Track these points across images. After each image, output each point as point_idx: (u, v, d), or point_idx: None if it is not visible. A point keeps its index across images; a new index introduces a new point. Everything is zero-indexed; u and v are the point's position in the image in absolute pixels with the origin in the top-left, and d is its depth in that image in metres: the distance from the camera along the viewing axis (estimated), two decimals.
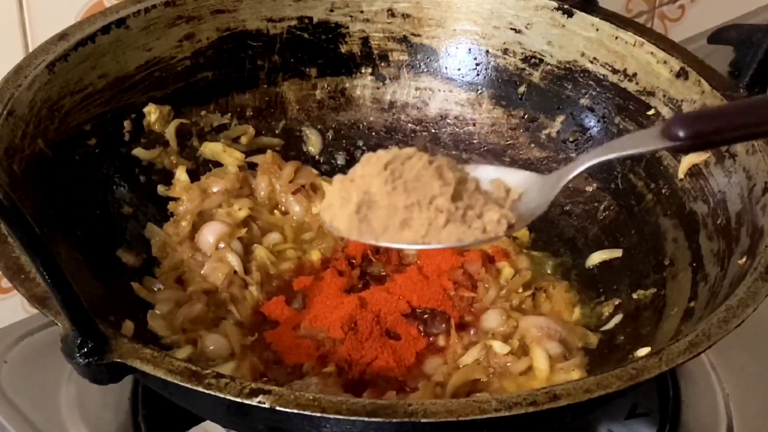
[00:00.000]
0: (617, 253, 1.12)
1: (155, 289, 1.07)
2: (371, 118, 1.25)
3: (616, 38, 1.16)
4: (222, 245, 1.09)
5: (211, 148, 1.18)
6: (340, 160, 1.23)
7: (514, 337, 1.04)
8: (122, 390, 1.08)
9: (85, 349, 0.77)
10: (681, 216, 1.08)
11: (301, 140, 1.23)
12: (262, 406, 0.76)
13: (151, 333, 1.01)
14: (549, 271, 1.14)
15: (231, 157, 1.17)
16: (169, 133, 1.15)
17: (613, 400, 0.85)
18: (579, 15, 1.18)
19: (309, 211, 1.16)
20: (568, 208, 1.18)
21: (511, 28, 1.21)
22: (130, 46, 1.11)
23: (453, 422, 0.76)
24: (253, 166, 1.18)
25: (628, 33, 1.15)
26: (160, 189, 1.13)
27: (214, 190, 1.14)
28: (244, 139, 1.19)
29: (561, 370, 1.00)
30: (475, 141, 1.24)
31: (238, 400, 0.77)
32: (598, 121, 1.18)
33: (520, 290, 1.10)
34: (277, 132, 1.22)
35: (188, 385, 0.78)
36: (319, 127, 1.23)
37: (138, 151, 1.13)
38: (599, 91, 1.17)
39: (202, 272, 1.07)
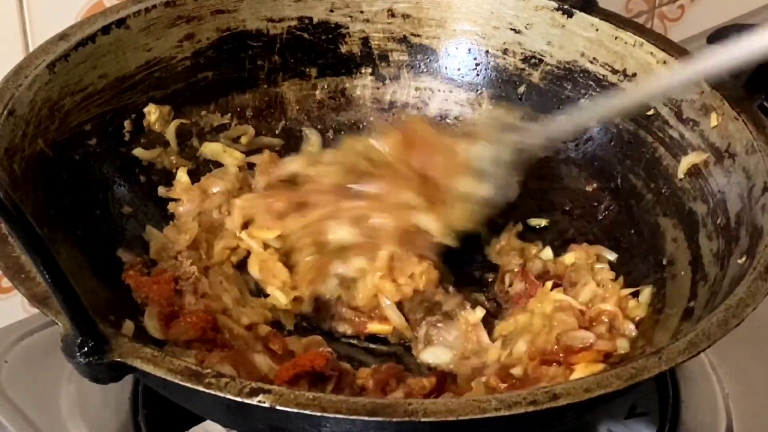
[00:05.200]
0: None
1: None
2: (371, 118, 1.25)
3: (616, 38, 1.16)
4: None
5: (211, 149, 1.17)
6: None
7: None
8: (122, 390, 1.08)
9: (86, 349, 0.77)
10: (680, 216, 1.08)
11: (301, 140, 1.23)
12: (262, 405, 0.76)
13: None
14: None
15: (231, 158, 1.17)
16: (169, 133, 1.15)
17: (613, 399, 0.85)
18: (579, 15, 1.18)
19: None
20: (568, 208, 1.18)
21: (511, 29, 1.21)
22: (130, 46, 1.11)
23: (453, 422, 0.76)
24: (253, 166, 1.18)
25: (628, 33, 1.15)
26: (161, 190, 1.13)
27: (214, 190, 1.14)
28: (244, 139, 1.19)
29: None
30: None
31: (238, 399, 0.77)
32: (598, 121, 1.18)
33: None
34: (277, 132, 1.22)
35: (188, 385, 0.78)
36: (319, 127, 1.23)
37: (138, 151, 1.13)
38: (599, 91, 1.17)
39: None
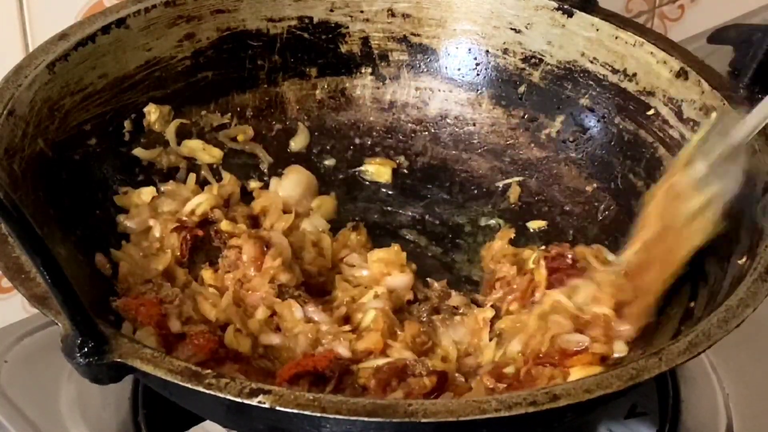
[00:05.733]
0: None
1: None
2: (371, 118, 1.25)
3: (616, 38, 1.16)
4: None
5: (189, 146, 1.16)
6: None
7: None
8: (122, 390, 1.08)
9: (86, 349, 0.77)
10: None
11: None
12: (262, 406, 0.76)
13: None
14: None
15: (208, 155, 1.17)
16: (169, 132, 1.15)
17: (613, 399, 0.85)
18: (579, 15, 1.18)
19: None
20: (568, 208, 1.18)
21: (511, 28, 1.21)
22: (130, 46, 1.11)
23: (453, 422, 0.76)
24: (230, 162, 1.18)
25: (628, 33, 1.15)
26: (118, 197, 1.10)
27: (165, 209, 1.10)
28: (240, 137, 1.19)
29: None
30: (475, 141, 1.24)
31: (238, 400, 0.77)
32: (598, 121, 1.18)
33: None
34: (276, 132, 1.22)
35: (188, 385, 0.78)
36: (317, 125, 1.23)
37: (138, 151, 1.13)
38: (599, 91, 1.17)
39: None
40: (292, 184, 1.16)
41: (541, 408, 0.77)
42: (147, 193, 1.10)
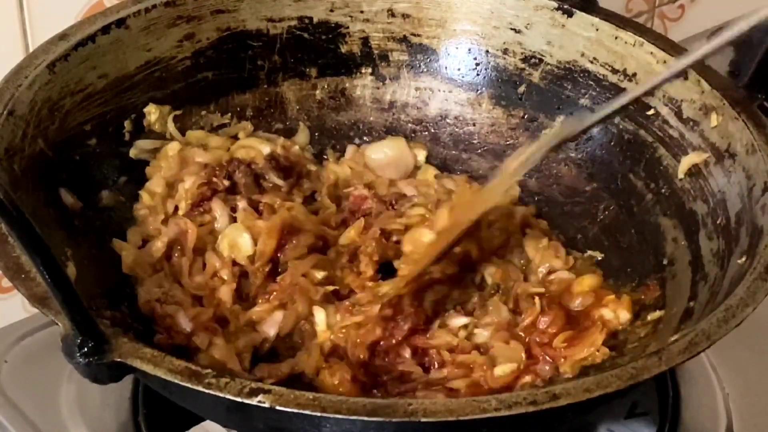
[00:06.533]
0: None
1: None
2: (371, 118, 1.25)
3: (616, 38, 1.16)
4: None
5: (195, 136, 1.17)
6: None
7: None
8: (122, 390, 1.08)
9: (86, 349, 0.77)
10: (681, 216, 1.08)
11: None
12: (262, 405, 0.76)
13: None
14: None
15: (215, 142, 1.17)
16: (171, 128, 1.15)
17: (613, 399, 0.85)
18: (579, 15, 1.18)
19: None
20: (567, 208, 1.18)
21: (511, 28, 1.21)
22: (130, 46, 1.11)
23: (453, 422, 0.76)
24: None
25: (628, 33, 1.15)
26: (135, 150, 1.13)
27: (197, 160, 1.12)
28: (242, 135, 1.19)
29: None
30: (475, 141, 1.24)
31: (238, 399, 0.77)
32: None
33: None
34: (276, 132, 1.22)
35: (188, 385, 0.78)
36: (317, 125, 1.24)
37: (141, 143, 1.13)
38: (599, 91, 1.17)
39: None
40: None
41: (541, 407, 0.77)
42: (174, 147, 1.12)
